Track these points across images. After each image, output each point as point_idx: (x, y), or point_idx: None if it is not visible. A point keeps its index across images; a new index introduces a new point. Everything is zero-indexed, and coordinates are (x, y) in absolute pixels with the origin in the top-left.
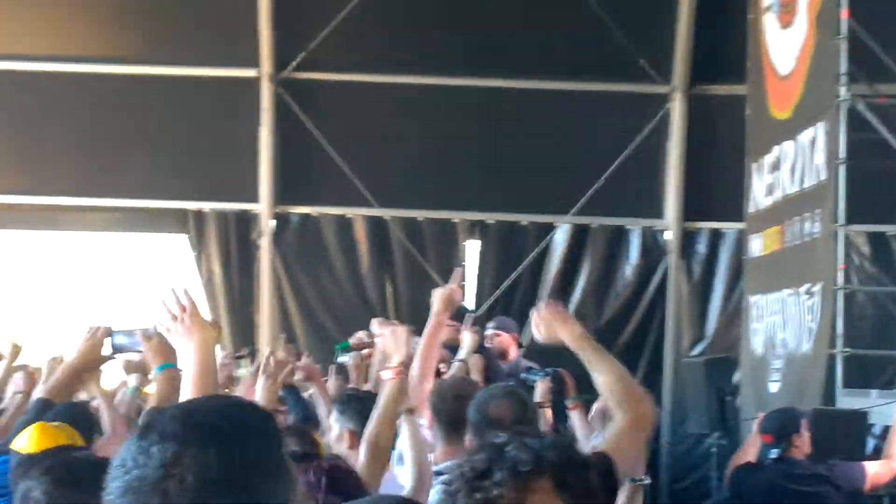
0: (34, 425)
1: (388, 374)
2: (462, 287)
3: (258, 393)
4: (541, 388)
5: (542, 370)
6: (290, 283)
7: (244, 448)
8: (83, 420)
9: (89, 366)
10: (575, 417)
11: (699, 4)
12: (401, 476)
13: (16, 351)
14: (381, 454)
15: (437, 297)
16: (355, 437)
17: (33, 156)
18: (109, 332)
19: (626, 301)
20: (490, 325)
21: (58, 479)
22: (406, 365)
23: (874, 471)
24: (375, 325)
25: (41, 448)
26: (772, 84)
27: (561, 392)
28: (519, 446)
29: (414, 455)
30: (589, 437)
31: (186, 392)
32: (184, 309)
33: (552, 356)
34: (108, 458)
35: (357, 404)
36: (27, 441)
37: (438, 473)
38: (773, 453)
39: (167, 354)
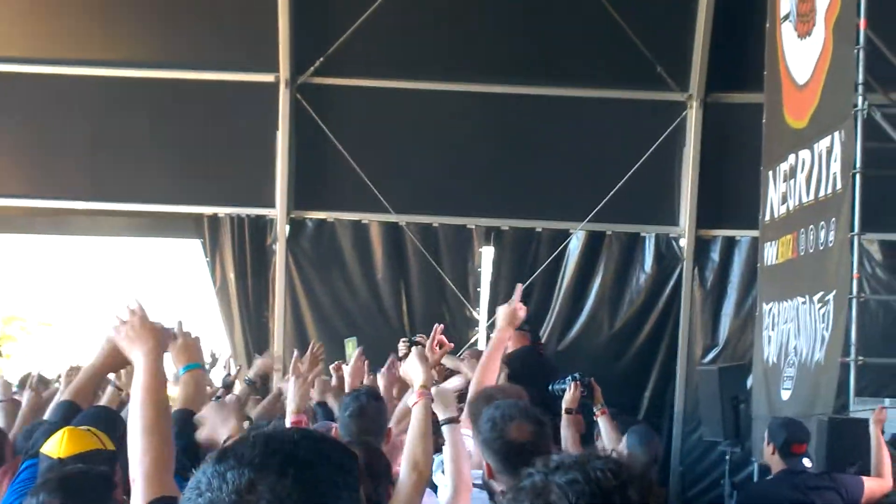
0: (64, 430)
1: (412, 399)
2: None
3: (289, 395)
4: (570, 395)
5: (571, 376)
6: (305, 288)
7: (321, 481)
8: (111, 423)
9: (112, 368)
10: (602, 424)
11: (717, 13)
12: (441, 485)
13: None
14: (422, 474)
15: (501, 313)
16: None
17: (47, 159)
18: None
19: (640, 308)
20: None
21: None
22: (427, 387)
23: (869, 486)
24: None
25: (71, 453)
26: (788, 93)
27: (589, 398)
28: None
29: (453, 465)
30: (617, 443)
31: (134, 400)
32: (132, 314)
33: (565, 362)
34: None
35: None
36: (56, 445)
37: (482, 486)
38: (806, 462)
39: (191, 355)
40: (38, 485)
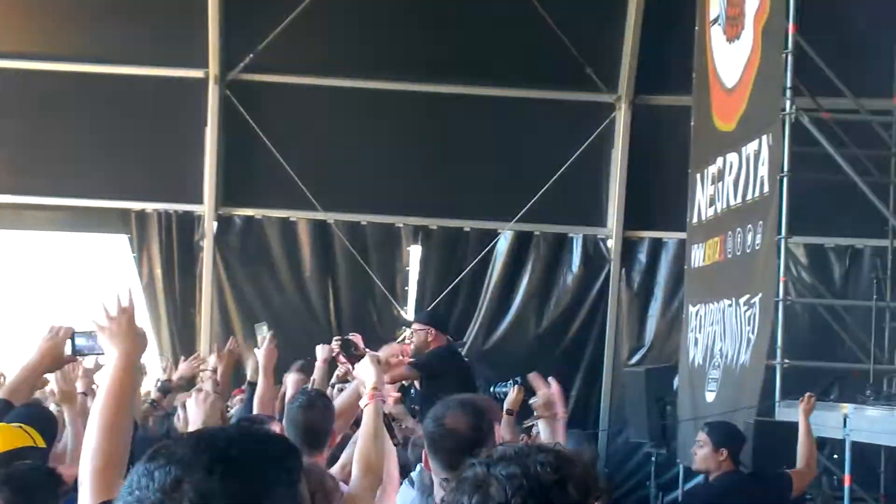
0: None
1: (364, 401)
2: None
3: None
4: (513, 397)
5: (513, 380)
6: (232, 285)
7: (252, 479)
8: (43, 421)
9: (49, 367)
10: (542, 425)
11: (646, 15)
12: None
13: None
14: (376, 476)
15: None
16: None
17: None
18: (71, 334)
19: (567, 308)
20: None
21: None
22: (378, 388)
23: (798, 476)
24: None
25: (2, 449)
26: (717, 96)
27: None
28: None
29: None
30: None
31: (98, 397)
32: (123, 311)
33: (490, 361)
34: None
35: None
36: None
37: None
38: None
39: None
40: None
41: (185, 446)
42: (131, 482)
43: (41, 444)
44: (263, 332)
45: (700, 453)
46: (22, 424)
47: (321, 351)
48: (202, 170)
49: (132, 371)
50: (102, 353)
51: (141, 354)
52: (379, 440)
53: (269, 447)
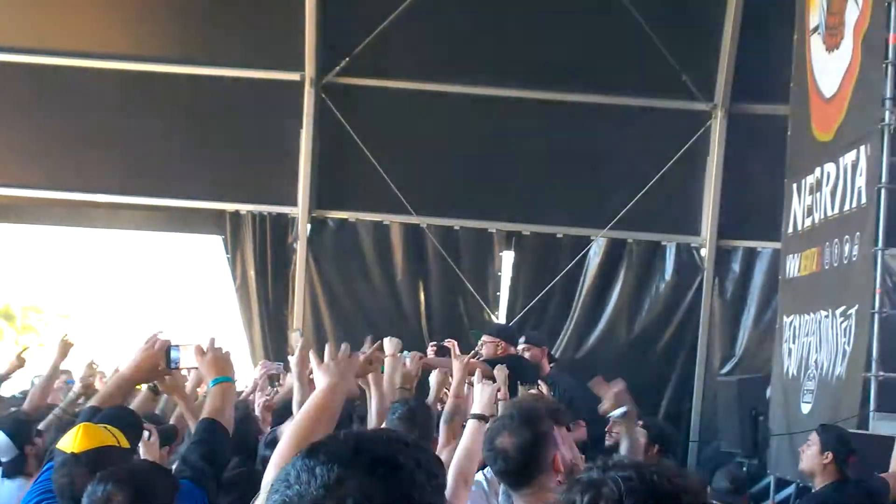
0: (79, 425)
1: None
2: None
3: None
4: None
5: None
6: (324, 287)
7: (408, 483)
8: (129, 423)
9: (144, 378)
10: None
11: (744, 23)
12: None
13: (65, 347)
14: (468, 485)
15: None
16: None
17: (71, 151)
18: (168, 346)
19: (659, 317)
20: (520, 340)
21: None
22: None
23: (893, 479)
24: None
25: (85, 448)
26: (815, 105)
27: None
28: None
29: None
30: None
31: (301, 412)
32: (348, 358)
33: (582, 370)
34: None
35: None
36: (71, 441)
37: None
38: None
39: (221, 368)
40: (104, 474)
41: (344, 446)
42: (287, 475)
43: (125, 444)
44: (297, 340)
45: (807, 452)
46: (107, 425)
47: (389, 345)
48: (297, 172)
49: (335, 399)
50: (196, 367)
51: (347, 388)
52: (475, 458)
53: (421, 454)
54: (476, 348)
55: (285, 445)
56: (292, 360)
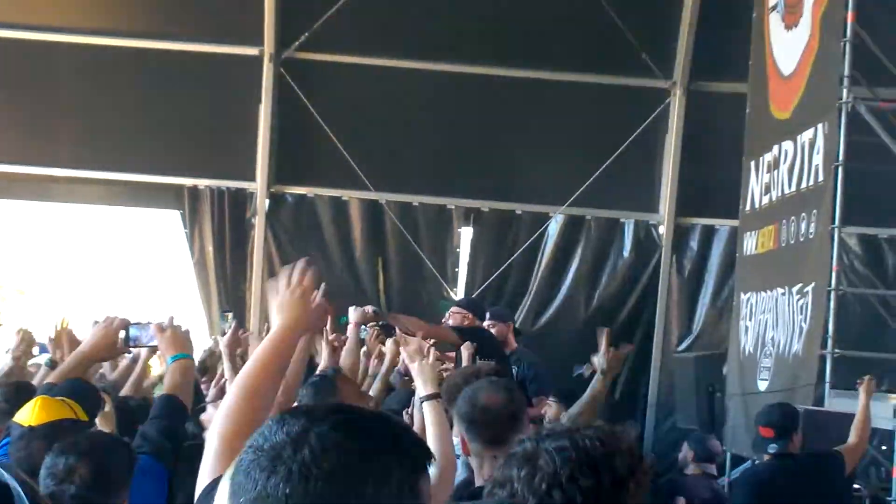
0: (36, 398)
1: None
2: None
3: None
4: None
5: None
6: (283, 262)
7: (375, 450)
8: (86, 395)
9: (101, 356)
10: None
11: (703, 1)
12: None
13: (27, 338)
14: (449, 462)
15: None
16: None
17: (29, 126)
18: (126, 325)
19: (616, 293)
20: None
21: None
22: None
23: (849, 453)
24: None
25: (42, 421)
26: (774, 83)
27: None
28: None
29: (438, 444)
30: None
31: (248, 363)
32: (299, 284)
33: (538, 345)
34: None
35: None
36: (29, 414)
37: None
38: (773, 448)
39: (180, 345)
40: (62, 445)
41: (322, 409)
42: (263, 429)
43: (82, 417)
44: (228, 323)
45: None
46: (64, 398)
47: (354, 314)
48: (255, 147)
49: (288, 344)
50: (155, 346)
51: (303, 332)
52: (449, 435)
53: (403, 432)
54: (443, 319)
55: (232, 395)
56: (222, 341)
